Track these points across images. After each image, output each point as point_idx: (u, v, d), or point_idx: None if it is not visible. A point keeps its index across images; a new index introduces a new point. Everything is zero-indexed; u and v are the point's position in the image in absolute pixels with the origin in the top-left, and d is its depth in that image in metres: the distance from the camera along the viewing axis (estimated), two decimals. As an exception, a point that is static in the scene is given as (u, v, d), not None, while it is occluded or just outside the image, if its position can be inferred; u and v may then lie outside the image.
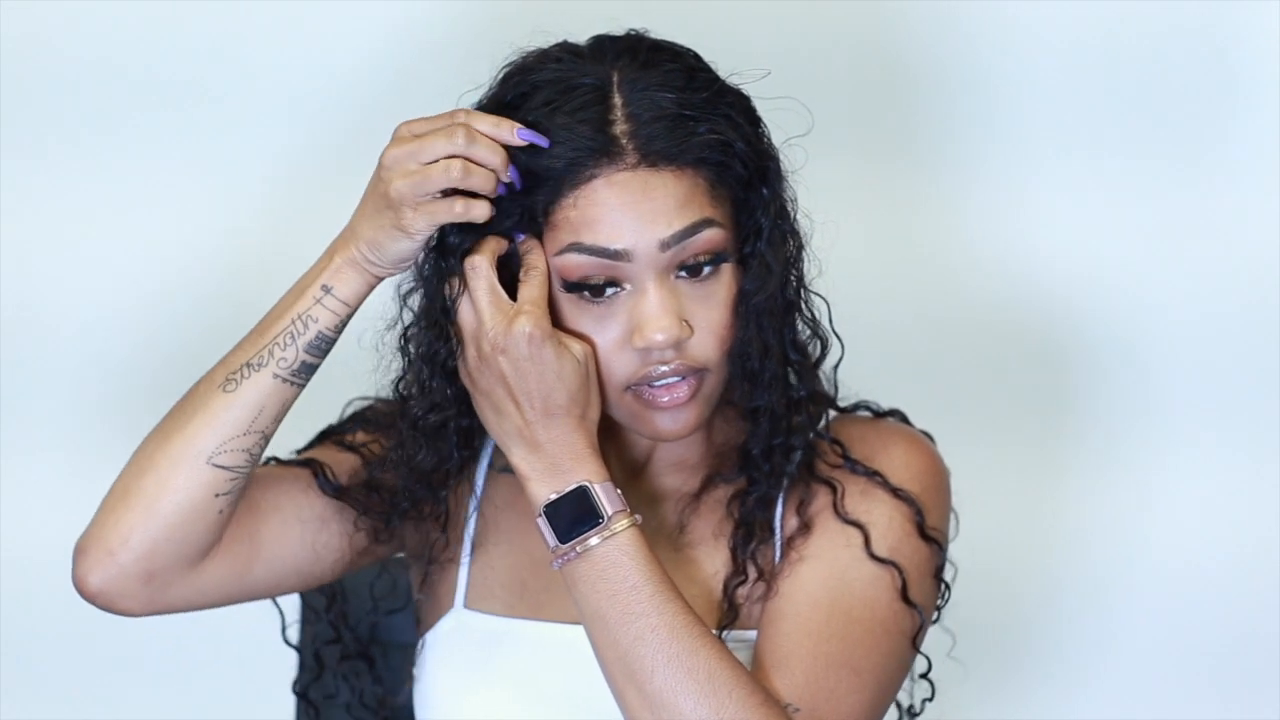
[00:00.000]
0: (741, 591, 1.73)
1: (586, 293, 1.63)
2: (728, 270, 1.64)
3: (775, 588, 1.70)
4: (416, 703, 1.80)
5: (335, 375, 1.78)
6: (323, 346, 1.68)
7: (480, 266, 1.63)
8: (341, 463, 1.79)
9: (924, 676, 1.78)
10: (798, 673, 1.64)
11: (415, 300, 1.71)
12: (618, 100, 1.61)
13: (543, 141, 1.60)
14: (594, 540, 1.61)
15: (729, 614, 1.72)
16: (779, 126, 1.69)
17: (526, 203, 1.63)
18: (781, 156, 1.68)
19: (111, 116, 2.30)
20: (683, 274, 1.63)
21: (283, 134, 2.33)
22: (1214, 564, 2.38)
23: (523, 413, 1.63)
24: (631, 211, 1.60)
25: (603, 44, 1.66)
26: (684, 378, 1.64)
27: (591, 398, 1.64)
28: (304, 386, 1.69)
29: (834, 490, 1.71)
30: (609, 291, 1.63)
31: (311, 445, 1.82)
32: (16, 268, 2.31)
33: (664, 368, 1.63)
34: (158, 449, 1.69)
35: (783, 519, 1.73)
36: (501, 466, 1.80)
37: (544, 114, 1.61)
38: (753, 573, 1.72)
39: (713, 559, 1.76)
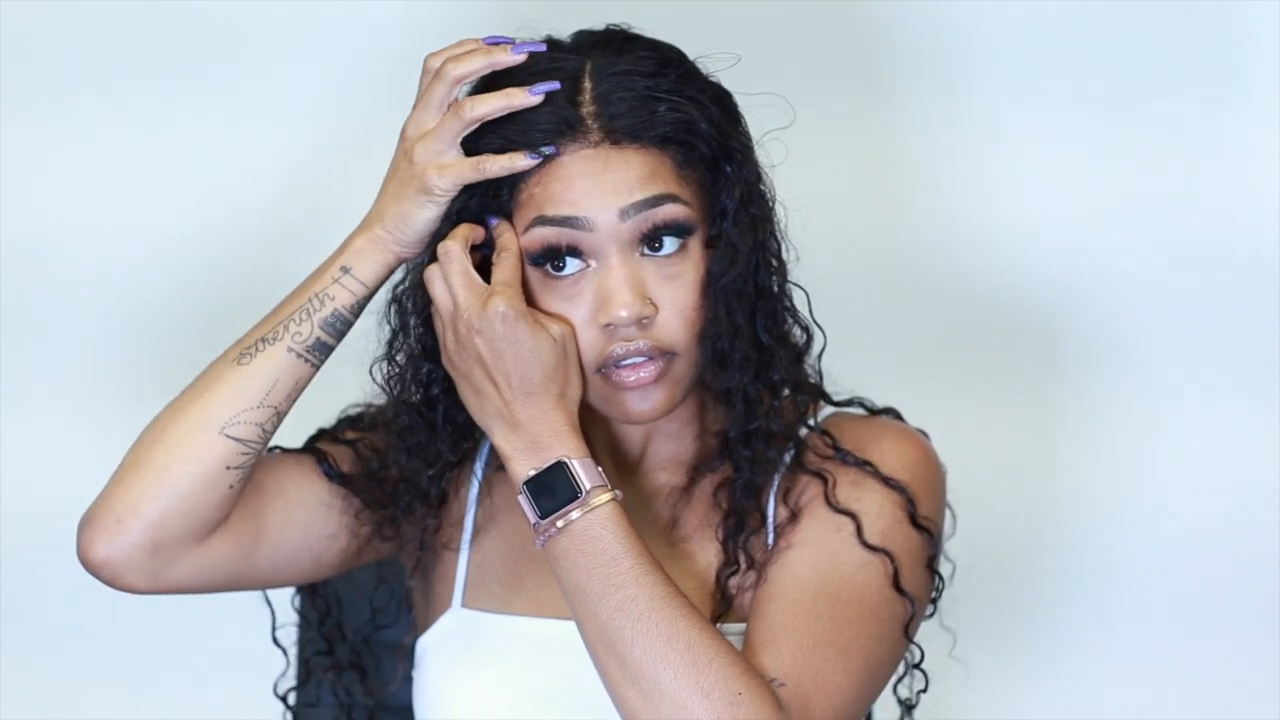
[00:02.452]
0: (734, 582, 1.74)
1: (550, 266, 1.66)
2: (695, 251, 1.67)
3: (764, 575, 1.71)
4: (416, 702, 1.82)
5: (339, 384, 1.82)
6: (338, 325, 1.71)
7: (453, 251, 1.66)
8: (339, 454, 1.82)
9: (917, 666, 1.80)
10: (784, 650, 1.65)
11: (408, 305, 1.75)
12: (587, 84, 1.66)
13: (551, 86, 1.64)
14: (574, 515, 1.63)
15: (722, 604, 1.73)
16: (758, 120, 1.72)
17: (495, 184, 1.66)
18: (759, 149, 1.71)
19: (140, 70, 2.34)
20: (648, 251, 1.66)
21: (305, 95, 2.36)
22: (1211, 513, 2.38)
23: (501, 392, 1.65)
24: (593, 182, 1.64)
25: (582, 37, 1.71)
26: (651, 358, 1.66)
27: (570, 376, 1.67)
28: (318, 367, 1.72)
29: (825, 481, 1.72)
30: (573, 265, 1.66)
31: (306, 445, 1.85)
32: (36, 216, 2.34)
33: (629, 345, 1.66)
34: (170, 420, 1.71)
35: (774, 510, 1.75)
36: (498, 465, 1.81)
37: None
38: (744, 562, 1.73)
39: (706, 551, 1.77)
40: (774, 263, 1.72)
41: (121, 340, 2.37)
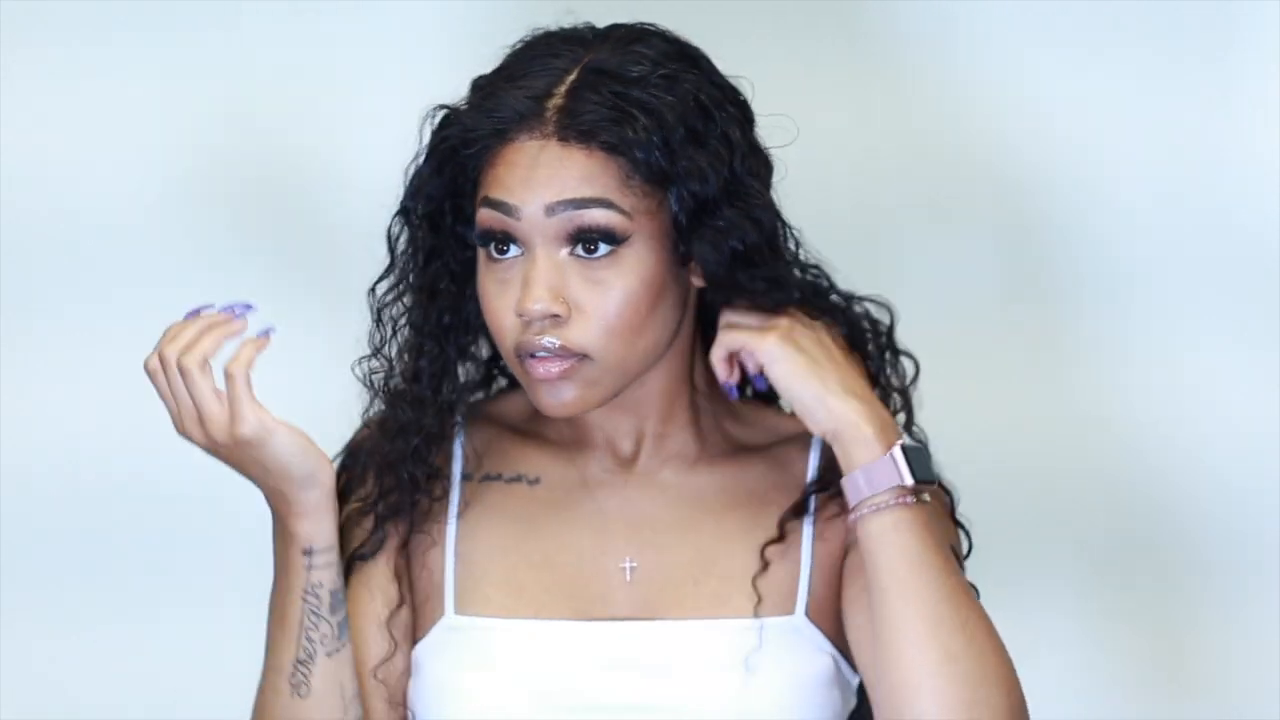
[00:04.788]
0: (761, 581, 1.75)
1: (493, 248, 1.69)
2: (629, 260, 1.67)
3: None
4: (417, 707, 1.78)
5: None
6: (340, 596, 1.72)
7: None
8: (356, 536, 1.78)
9: None
10: None
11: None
12: (571, 77, 1.67)
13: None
14: (925, 495, 1.68)
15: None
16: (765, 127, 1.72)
17: (460, 162, 1.70)
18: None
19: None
20: (580, 252, 1.67)
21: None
22: (1216, 500, 2.31)
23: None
24: (529, 173, 1.66)
25: (609, 30, 1.72)
26: (559, 356, 1.68)
27: None
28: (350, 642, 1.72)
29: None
30: (513, 250, 1.68)
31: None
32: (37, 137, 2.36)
33: (538, 339, 1.67)
34: None
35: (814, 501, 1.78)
36: (481, 476, 1.82)
37: (495, 79, 1.70)
38: (771, 555, 1.76)
39: (731, 545, 1.78)
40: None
41: (124, 275, 2.37)
